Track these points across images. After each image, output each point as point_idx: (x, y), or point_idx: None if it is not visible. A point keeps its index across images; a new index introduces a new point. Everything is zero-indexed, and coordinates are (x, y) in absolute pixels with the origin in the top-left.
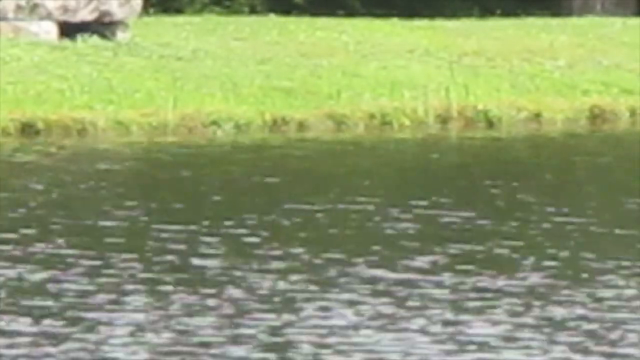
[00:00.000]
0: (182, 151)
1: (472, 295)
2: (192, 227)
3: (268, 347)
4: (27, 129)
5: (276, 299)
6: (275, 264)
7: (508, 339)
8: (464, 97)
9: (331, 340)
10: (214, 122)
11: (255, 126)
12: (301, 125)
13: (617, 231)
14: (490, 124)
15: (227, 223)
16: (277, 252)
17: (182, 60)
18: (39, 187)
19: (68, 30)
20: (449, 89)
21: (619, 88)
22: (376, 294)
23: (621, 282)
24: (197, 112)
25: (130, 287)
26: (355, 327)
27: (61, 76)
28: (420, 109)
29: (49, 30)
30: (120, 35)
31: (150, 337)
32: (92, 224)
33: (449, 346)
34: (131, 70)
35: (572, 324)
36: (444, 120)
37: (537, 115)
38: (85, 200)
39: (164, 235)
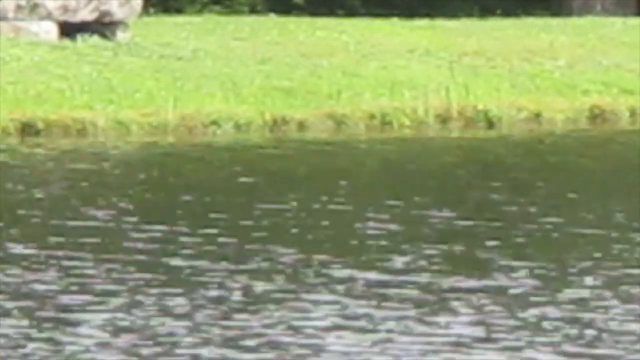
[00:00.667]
0: (176, 151)
1: (450, 295)
2: (170, 228)
3: (244, 348)
4: (27, 129)
5: (253, 300)
6: (253, 265)
7: (486, 339)
8: (464, 97)
9: (308, 341)
10: (214, 122)
11: (255, 126)
12: (301, 125)
13: (599, 232)
14: (490, 124)
15: (205, 223)
16: (255, 253)
17: (182, 60)
18: (21, 187)
19: (68, 30)
20: (449, 89)
21: (619, 88)
22: (354, 294)
23: (600, 283)
24: (197, 112)
25: (106, 287)
26: (333, 328)
27: (61, 76)
28: (420, 109)
29: (49, 30)
30: (120, 35)
31: (125, 338)
32: (71, 224)
33: (427, 347)
34: (131, 70)
35: (550, 324)
36: (444, 120)
37: (537, 115)
38: (66, 200)
39: (142, 235)
